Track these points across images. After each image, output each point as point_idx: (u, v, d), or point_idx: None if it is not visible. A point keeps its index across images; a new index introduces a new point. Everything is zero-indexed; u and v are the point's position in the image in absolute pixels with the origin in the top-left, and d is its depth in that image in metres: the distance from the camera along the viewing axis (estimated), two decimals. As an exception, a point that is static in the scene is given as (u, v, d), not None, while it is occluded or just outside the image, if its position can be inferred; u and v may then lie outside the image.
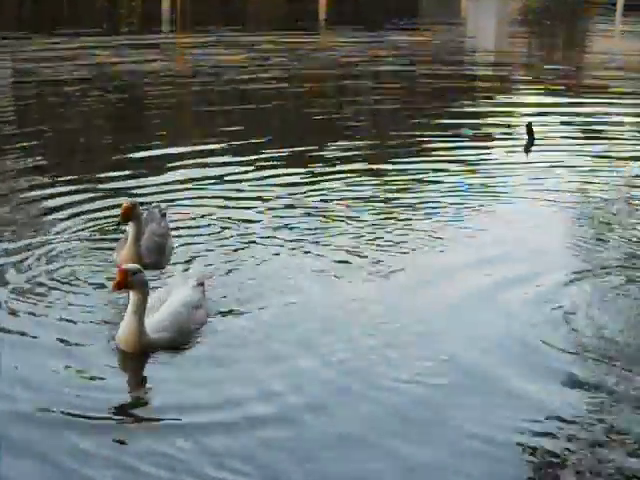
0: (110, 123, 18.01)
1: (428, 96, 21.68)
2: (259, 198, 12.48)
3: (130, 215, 9.33)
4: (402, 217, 11.87)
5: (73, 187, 12.82)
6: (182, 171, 13.81)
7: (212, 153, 15.14)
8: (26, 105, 19.57)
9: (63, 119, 17.79)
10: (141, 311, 7.55)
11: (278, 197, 12.56)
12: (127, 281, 7.50)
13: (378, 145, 16.28)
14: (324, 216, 11.81)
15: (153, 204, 10.60)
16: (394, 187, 13.35)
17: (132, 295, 7.55)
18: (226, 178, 13.51)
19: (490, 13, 47.22)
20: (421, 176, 14.02)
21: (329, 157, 14.95)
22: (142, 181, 13.22)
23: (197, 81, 22.64)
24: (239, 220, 11.45)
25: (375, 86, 22.71)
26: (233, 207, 12.04)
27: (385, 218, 11.81)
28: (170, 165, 14.10)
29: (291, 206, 12.18)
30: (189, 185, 13.07)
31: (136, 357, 7.63)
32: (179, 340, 7.79)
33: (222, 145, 15.71)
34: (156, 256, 9.67)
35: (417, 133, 17.07)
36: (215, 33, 32.37)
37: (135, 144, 15.64)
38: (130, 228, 9.43)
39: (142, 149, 15.28)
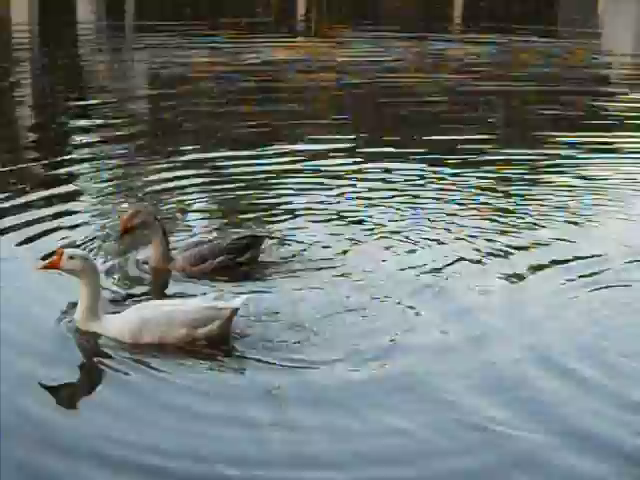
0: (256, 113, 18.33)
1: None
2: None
3: (129, 227, 9.24)
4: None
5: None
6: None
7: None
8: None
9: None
10: (87, 295, 7.68)
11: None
12: (60, 262, 7.71)
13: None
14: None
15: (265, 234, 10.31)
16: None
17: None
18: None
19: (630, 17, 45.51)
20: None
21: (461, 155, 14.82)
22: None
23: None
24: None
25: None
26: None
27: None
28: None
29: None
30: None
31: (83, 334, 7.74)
32: (130, 335, 7.71)
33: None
34: (192, 265, 9.41)
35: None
36: (349, 32, 32.81)
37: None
38: (152, 234, 9.33)
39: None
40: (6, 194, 11.65)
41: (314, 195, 12.34)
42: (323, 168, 13.83)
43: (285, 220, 11.27)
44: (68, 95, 19.88)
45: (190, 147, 14.94)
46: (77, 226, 10.62)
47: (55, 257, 7.78)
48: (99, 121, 16.95)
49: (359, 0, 49.24)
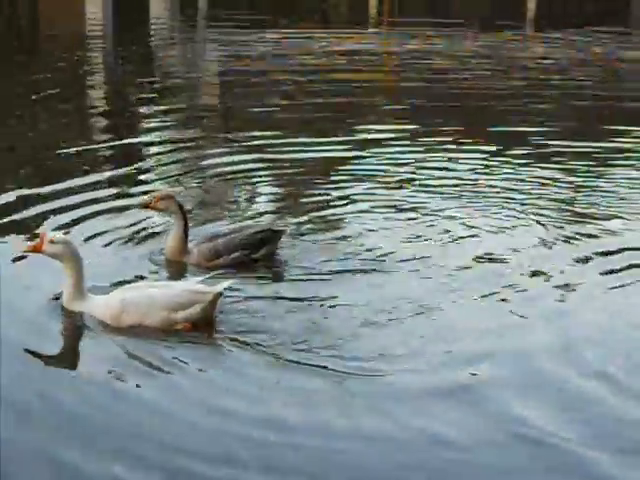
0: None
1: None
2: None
3: (152, 205, 9.15)
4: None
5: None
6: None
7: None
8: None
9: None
10: (70, 278, 7.76)
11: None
12: (42, 246, 7.76)
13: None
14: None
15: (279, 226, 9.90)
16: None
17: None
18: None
19: None
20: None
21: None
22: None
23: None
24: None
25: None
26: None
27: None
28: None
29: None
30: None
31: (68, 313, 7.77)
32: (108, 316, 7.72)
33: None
34: (207, 259, 9.20)
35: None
36: (417, 28, 32.80)
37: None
38: (174, 222, 9.20)
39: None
40: (76, 175, 11.91)
41: (375, 183, 12.34)
42: (387, 155, 13.89)
43: (341, 206, 11.25)
44: (140, 83, 20.23)
45: (257, 133, 15.14)
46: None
47: (37, 241, 7.85)
48: (168, 107, 17.29)
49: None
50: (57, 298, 7.94)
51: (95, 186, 11.60)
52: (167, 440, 6.00)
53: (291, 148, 14.17)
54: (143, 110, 17.20)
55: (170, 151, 13.88)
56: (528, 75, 22.75)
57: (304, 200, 11.51)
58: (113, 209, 10.69)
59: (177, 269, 9.05)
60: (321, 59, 24.04)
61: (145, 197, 9.48)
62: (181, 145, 14.28)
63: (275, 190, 12.05)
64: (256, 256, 9.31)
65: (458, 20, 35.08)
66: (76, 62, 22.59)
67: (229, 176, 12.51)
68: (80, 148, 13.62)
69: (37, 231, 8.48)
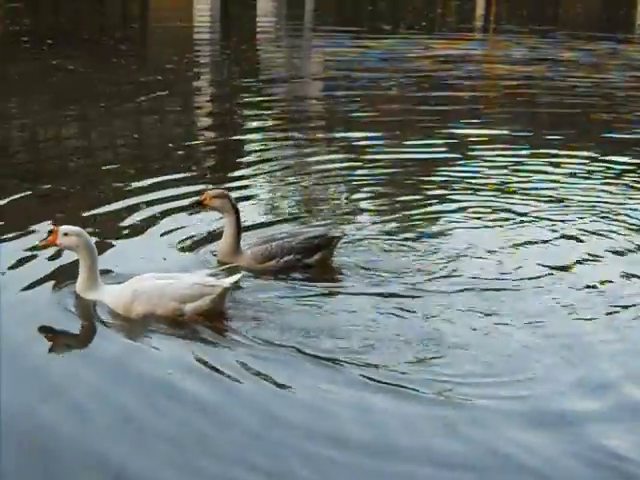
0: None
1: None
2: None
3: (205, 203, 9.05)
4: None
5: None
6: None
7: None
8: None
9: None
10: (84, 267, 8.01)
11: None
12: (57, 240, 8.05)
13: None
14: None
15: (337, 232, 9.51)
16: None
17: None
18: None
19: None
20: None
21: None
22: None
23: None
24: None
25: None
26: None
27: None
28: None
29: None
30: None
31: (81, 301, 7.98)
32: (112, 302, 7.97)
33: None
34: (257, 261, 9.03)
35: None
36: (522, 36, 32.57)
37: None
38: (226, 221, 9.06)
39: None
40: (181, 174, 12.17)
41: (469, 185, 12.29)
42: (486, 158, 13.89)
43: (431, 206, 11.22)
44: (245, 84, 20.50)
45: (358, 134, 15.32)
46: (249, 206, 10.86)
47: (52, 235, 8.13)
48: (271, 108, 17.55)
49: (538, 3, 48.64)
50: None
51: (189, 181, 11.83)
52: (225, 449, 5.91)
53: (391, 149, 14.30)
54: (247, 111, 17.45)
55: (270, 149, 14.13)
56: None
57: (397, 200, 11.54)
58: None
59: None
60: (425, 65, 24.09)
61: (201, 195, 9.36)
62: (282, 144, 14.53)
63: (369, 189, 12.08)
64: (309, 261, 9.09)
65: (565, 26, 34.65)
66: (184, 62, 23.03)
67: (326, 175, 12.63)
68: (184, 146, 13.97)
69: (51, 227, 8.45)
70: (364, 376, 6.81)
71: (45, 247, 8.42)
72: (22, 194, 10.94)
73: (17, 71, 20.49)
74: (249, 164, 13.09)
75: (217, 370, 6.92)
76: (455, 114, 17.66)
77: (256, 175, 12.48)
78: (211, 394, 6.58)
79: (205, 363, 7.03)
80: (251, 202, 11.13)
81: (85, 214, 10.25)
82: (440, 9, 45.60)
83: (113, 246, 9.34)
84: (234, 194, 11.07)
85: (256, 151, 13.96)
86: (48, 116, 16.11)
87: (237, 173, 12.64)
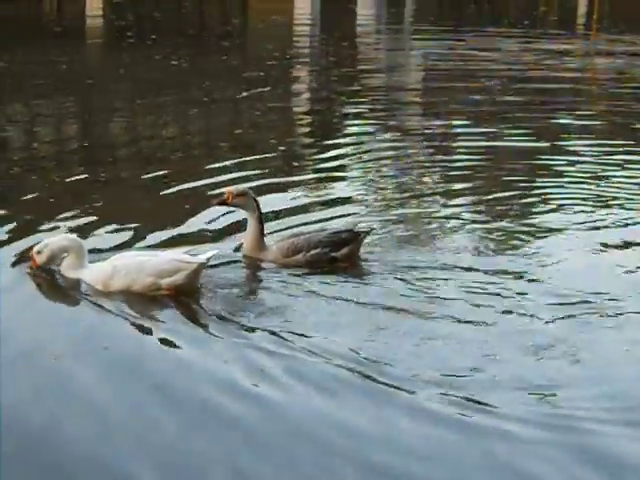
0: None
1: None
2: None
3: (227, 201, 8.97)
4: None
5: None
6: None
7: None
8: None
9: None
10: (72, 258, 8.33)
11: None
12: (36, 263, 8.33)
13: None
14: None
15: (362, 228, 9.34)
16: None
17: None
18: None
19: None
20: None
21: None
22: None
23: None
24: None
25: None
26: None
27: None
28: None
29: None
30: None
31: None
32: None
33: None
34: (283, 255, 8.91)
35: None
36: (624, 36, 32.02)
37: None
38: (249, 218, 8.97)
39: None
40: (276, 176, 12.14)
41: (565, 175, 12.17)
42: (582, 151, 13.76)
43: (512, 198, 11.07)
44: (346, 84, 20.53)
45: (455, 123, 15.48)
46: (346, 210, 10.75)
47: (32, 261, 8.38)
48: (369, 108, 17.51)
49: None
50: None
51: (291, 173, 12.05)
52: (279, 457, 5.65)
53: (480, 137, 14.48)
54: (343, 111, 17.40)
55: (365, 141, 14.24)
56: None
57: (485, 190, 11.46)
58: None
59: (253, 265, 8.83)
60: (525, 59, 23.88)
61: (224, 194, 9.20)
62: (377, 136, 14.63)
63: (456, 179, 12.01)
64: (336, 254, 8.97)
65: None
66: (285, 57, 23.24)
67: (420, 164, 12.82)
68: (286, 141, 14.13)
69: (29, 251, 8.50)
70: (387, 385, 6.43)
71: (32, 269, 8.42)
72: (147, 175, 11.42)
73: (122, 65, 20.90)
74: (345, 156, 13.25)
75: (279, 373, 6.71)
76: (553, 106, 17.63)
77: (351, 165, 12.70)
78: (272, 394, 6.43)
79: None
80: (347, 193, 11.24)
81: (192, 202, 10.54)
82: (543, 7, 45.23)
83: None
84: (332, 183, 11.13)
85: (354, 153, 13.79)
86: (150, 110, 16.46)
87: (333, 163, 12.81)
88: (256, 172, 12.01)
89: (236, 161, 12.62)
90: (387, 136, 14.77)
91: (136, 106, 16.84)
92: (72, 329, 7.40)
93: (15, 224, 9.61)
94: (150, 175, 11.67)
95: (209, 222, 9.89)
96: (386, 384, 6.42)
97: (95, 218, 9.85)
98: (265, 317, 7.58)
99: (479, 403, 6.16)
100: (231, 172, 11.93)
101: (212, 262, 8.35)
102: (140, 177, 11.66)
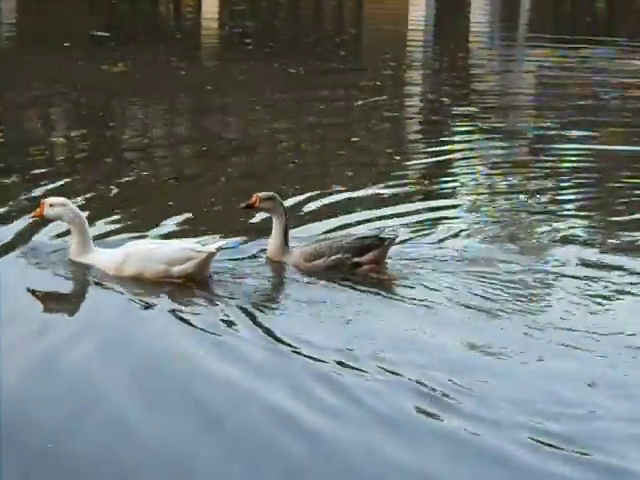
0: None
1: None
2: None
3: (255, 205, 9.09)
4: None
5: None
6: None
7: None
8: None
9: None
10: (75, 233, 8.73)
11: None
12: (44, 211, 8.79)
13: None
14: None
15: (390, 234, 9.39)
16: None
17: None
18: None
19: None
20: None
21: None
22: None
23: None
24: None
25: None
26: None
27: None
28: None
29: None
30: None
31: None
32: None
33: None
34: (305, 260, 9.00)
35: None
36: None
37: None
38: (275, 222, 9.06)
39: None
40: (388, 183, 12.26)
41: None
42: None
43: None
44: (457, 95, 20.44)
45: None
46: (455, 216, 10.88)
47: (39, 208, 8.87)
48: (478, 116, 17.51)
49: None
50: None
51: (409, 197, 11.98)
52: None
53: (588, 141, 14.62)
54: (456, 123, 17.32)
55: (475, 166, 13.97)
56: None
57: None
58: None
59: (276, 268, 9.00)
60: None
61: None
62: (488, 159, 14.27)
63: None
64: (358, 260, 8.98)
65: None
66: (400, 67, 23.29)
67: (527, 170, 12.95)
68: (401, 150, 14.20)
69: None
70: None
71: (33, 218, 9.15)
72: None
73: (241, 73, 21.22)
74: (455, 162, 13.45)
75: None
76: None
77: (462, 176, 12.86)
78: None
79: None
80: (458, 201, 11.46)
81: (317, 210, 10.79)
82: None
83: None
84: (439, 187, 11.41)
85: (467, 164, 13.77)
86: (267, 116, 16.72)
87: (445, 170, 13.13)
88: (371, 179, 12.23)
89: (351, 168, 12.73)
90: (501, 143, 14.86)
91: (253, 112, 17.07)
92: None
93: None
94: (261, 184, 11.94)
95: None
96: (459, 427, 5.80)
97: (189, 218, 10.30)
98: (296, 323, 7.67)
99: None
100: (345, 179, 12.10)
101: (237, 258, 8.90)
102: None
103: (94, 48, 23.93)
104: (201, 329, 7.47)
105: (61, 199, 8.94)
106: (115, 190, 11.47)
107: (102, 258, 8.73)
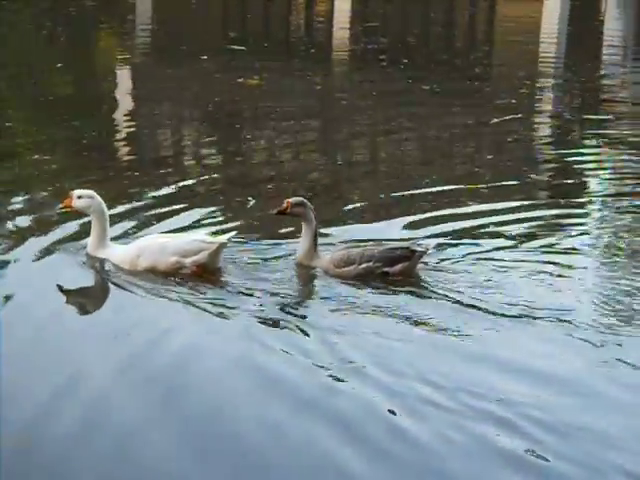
0: None
1: None
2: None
3: (286, 211, 9.29)
4: None
5: None
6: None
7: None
8: None
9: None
10: (96, 227, 9.18)
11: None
12: (72, 202, 9.24)
13: None
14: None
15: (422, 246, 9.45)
16: None
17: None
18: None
19: None
20: None
21: None
22: None
23: None
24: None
25: None
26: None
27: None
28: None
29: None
30: None
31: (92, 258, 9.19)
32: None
33: None
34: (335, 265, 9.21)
35: None
36: None
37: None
38: (304, 227, 9.26)
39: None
40: (523, 203, 12.13)
41: None
42: None
43: None
44: (582, 117, 19.96)
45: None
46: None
47: (67, 198, 9.27)
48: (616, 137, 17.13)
49: None
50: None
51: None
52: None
53: None
54: (585, 143, 16.92)
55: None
56: None
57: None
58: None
59: (305, 273, 9.21)
60: None
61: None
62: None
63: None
64: (387, 270, 9.06)
65: None
66: (534, 84, 22.99)
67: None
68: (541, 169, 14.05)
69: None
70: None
71: (63, 209, 9.53)
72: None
73: (375, 88, 21.32)
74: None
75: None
76: None
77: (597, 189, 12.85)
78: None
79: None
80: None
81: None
82: None
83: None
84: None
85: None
86: (401, 132, 16.81)
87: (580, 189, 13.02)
88: (503, 197, 12.22)
89: (487, 186, 12.71)
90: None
91: (387, 128, 17.10)
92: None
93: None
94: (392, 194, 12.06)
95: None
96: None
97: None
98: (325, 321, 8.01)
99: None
100: (482, 197, 12.13)
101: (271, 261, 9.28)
102: (378, 195, 12.20)
103: (230, 61, 24.31)
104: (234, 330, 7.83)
105: (89, 191, 9.35)
106: (252, 202, 11.65)
107: (116, 253, 9.15)
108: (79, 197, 9.23)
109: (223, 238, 9.02)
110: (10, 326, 7.61)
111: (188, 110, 18.55)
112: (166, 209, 11.11)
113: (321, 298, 8.70)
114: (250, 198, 11.84)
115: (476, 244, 10.08)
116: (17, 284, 8.66)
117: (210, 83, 21.05)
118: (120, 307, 8.43)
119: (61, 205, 9.51)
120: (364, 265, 9.06)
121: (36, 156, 13.68)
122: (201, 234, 9.42)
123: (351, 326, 7.96)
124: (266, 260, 9.38)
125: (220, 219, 10.89)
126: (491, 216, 11.21)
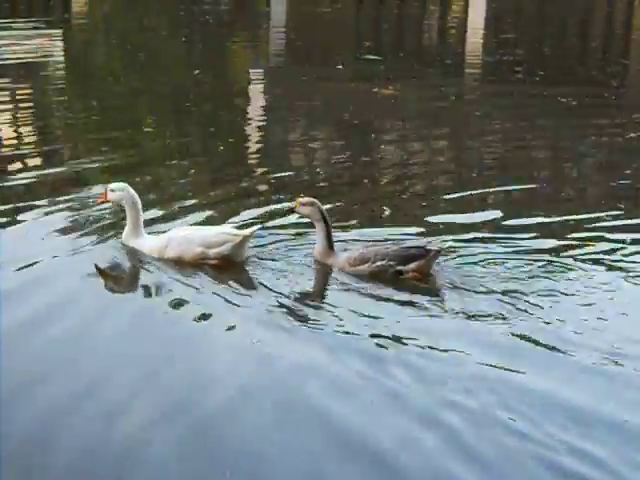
0: None
1: None
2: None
3: (295, 210, 9.62)
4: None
5: None
6: None
7: None
8: None
9: None
10: (130, 219, 9.68)
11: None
12: (107, 196, 9.68)
13: None
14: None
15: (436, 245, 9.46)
16: None
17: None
18: None
19: None
20: None
21: None
22: None
23: None
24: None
25: None
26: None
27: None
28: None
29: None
30: None
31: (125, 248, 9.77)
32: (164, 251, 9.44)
33: None
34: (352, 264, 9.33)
35: None
36: None
37: None
38: (317, 227, 9.51)
39: None
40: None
41: None
42: None
43: None
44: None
45: None
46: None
47: (103, 193, 9.76)
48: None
49: None
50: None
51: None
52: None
53: None
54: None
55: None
56: None
57: None
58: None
59: (322, 270, 9.43)
60: None
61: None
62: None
63: None
64: (401, 268, 9.14)
65: None
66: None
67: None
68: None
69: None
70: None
71: (100, 204, 10.12)
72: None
73: (510, 100, 21.17)
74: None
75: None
76: None
77: None
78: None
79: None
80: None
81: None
82: None
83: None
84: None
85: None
86: (533, 145, 16.71)
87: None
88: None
89: (622, 202, 12.70)
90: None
91: (523, 141, 17.02)
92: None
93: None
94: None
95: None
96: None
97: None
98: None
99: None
100: (609, 208, 12.14)
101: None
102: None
103: (365, 71, 24.51)
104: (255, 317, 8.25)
105: (122, 184, 9.71)
106: (387, 211, 11.77)
107: (147, 243, 9.56)
108: (112, 190, 9.67)
109: (247, 231, 9.34)
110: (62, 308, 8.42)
111: (321, 119, 18.76)
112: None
113: (329, 297, 8.98)
114: (384, 207, 11.99)
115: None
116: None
117: (347, 92, 21.27)
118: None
119: (98, 200, 10.09)
120: (378, 263, 9.21)
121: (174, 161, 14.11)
122: (228, 227, 9.78)
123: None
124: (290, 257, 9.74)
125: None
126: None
